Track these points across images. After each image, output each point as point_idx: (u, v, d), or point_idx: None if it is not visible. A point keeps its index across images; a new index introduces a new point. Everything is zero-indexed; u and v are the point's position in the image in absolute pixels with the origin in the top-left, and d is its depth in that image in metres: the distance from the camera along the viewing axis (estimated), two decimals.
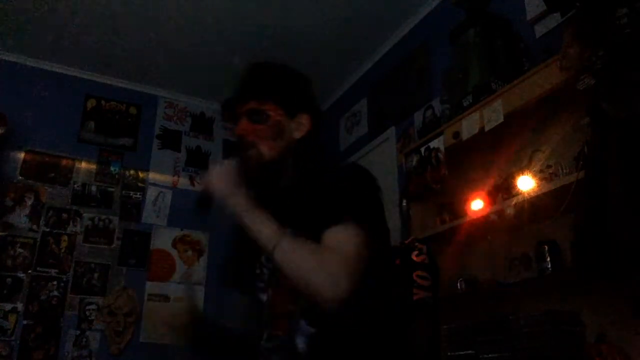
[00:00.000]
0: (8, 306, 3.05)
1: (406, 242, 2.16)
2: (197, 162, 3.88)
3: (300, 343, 1.01)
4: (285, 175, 1.14)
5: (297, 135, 1.15)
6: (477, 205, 2.11)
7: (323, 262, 0.94)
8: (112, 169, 3.60)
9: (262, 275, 1.12)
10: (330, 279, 0.92)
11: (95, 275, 3.32)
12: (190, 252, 3.63)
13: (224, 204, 1.02)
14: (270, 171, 1.12)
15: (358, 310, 0.99)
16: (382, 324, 1.06)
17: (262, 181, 1.11)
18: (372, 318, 1.05)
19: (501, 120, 1.92)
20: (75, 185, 3.45)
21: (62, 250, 3.29)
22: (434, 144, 2.32)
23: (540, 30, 2.12)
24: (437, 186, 2.30)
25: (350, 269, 0.93)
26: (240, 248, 1.18)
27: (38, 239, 3.24)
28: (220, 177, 1.05)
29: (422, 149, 2.39)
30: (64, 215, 3.36)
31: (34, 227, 3.26)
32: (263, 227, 0.99)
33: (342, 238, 0.97)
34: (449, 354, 2.03)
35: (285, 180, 1.14)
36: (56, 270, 3.23)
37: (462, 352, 1.96)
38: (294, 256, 0.96)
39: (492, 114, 1.96)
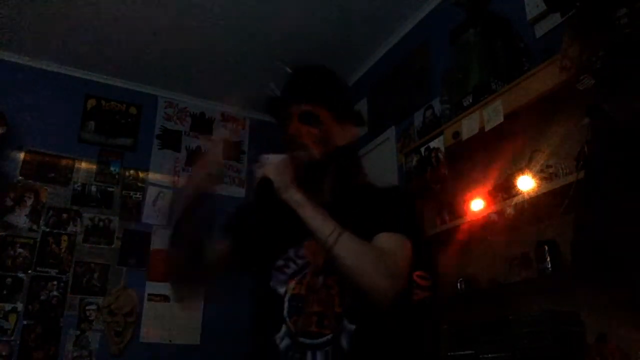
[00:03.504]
0: (8, 306, 3.05)
1: None
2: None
3: (345, 342, 1.03)
4: (326, 180, 1.19)
5: (341, 142, 1.19)
6: (477, 205, 2.11)
7: (381, 258, 1.01)
8: (112, 169, 3.59)
9: (286, 268, 1.13)
10: (387, 274, 0.99)
11: (95, 275, 3.32)
12: None
13: (281, 194, 1.05)
14: (314, 173, 1.15)
15: (394, 310, 1.05)
16: (408, 323, 1.16)
17: (306, 181, 1.13)
18: (402, 317, 1.13)
19: (501, 120, 1.92)
20: (75, 185, 3.45)
21: (62, 250, 3.28)
22: (434, 144, 2.32)
23: (540, 30, 2.12)
24: (437, 186, 2.30)
25: (403, 270, 1.04)
26: (263, 236, 1.18)
27: (38, 239, 3.24)
28: (278, 168, 1.06)
29: (422, 149, 2.39)
30: (64, 215, 3.36)
31: (34, 227, 3.26)
32: (322, 221, 1.02)
33: (394, 243, 1.05)
34: (449, 354, 2.03)
35: (326, 185, 1.19)
36: (56, 270, 3.23)
37: (462, 352, 1.96)
38: (354, 251, 1.00)
39: (492, 114, 1.96)
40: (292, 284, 1.10)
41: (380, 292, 0.99)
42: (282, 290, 1.11)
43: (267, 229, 1.19)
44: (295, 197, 1.05)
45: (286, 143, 1.15)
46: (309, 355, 1.03)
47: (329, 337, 1.04)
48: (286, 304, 1.09)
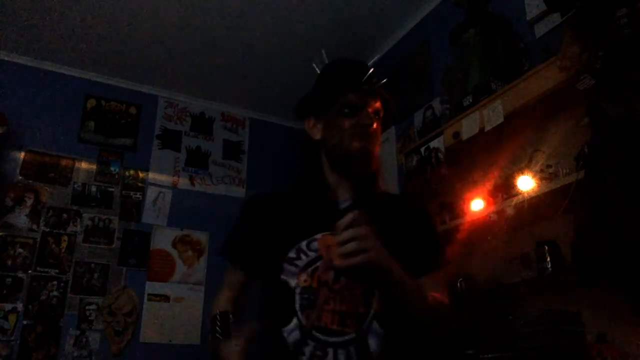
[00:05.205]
0: (8, 306, 3.05)
1: None
2: (197, 162, 3.88)
3: (373, 344, 1.04)
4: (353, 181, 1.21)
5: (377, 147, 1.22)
6: (477, 205, 2.11)
7: (442, 318, 1.14)
8: (112, 169, 3.59)
9: (298, 260, 1.11)
10: (441, 328, 1.15)
11: (95, 275, 3.32)
12: (190, 252, 3.63)
13: (387, 274, 1.01)
14: (372, 178, 1.21)
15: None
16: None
17: (364, 185, 1.18)
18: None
19: (501, 120, 1.92)
20: (75, 185, 3.45)
21: (62, 250, 3.29)
22: (434, 144, 2.33)
23: (540, 30, 2.12)
24: (437, 186, 2.30)
25: (447, 324, 1.18)
26: (273, 230, 1.18)
27: (38, 239, 3.24)
28: (380, 248, 0.99)
29: (422, 149, 2.39)
30: (64, 215, 3.36)
31: (34, 227, 3.26)
32: (417, 291, 1.06)
33: (442, 288, 1.16)
34: (449, 354, 2.03)
35: (350, 187, 1.20)
36: (56, 270, 3.23)
37: (462, 352, 1.96)
38: (427, 311, 1.09)
39: (492, 114, 1.96)
40: (303, 276, 1.09)
41: (431, 337, 1.14)
42: (293, 282, 1.09)
43: (276, 226, 1.18)
44: (396, 269, 1.02)
45: (350, 127, 1.16)
46: (330, 352, 1.03)
47: (351, 336, 1.04)
48: (297, 297, 1.08)
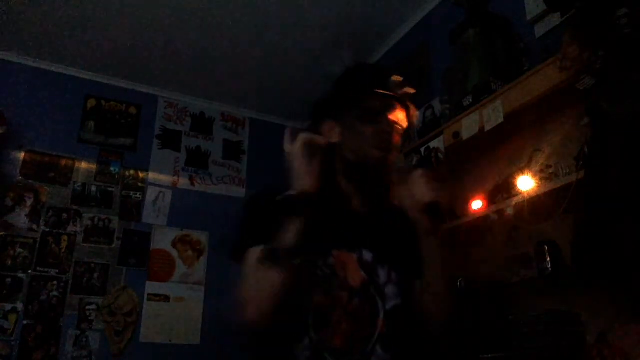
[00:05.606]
0: (8, 306, 3.05)
1: None
2: (197, 162, 3.88)
3: None
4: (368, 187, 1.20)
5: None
6: (477, 205, 2.11)
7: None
8: (112, 169, 3.59)
9: (314, 276, 1.07)
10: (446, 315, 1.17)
11: (95, 275, 3.32)
12: (190, 252, 3.63)
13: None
14: (385, 188, 1.19)
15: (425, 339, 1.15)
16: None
17: (380, 189, 1.17)
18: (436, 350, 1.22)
19: (501, 120, 1.92)
20: (75, 185, 3.45)
21: (62, 250, 3.28)
22: (434, 144, 2.32)
23: (540, 30, 2.12)
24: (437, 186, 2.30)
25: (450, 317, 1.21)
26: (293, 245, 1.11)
27: (38, 239, 3.24)
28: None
29: (422, 149, 2.39)
30: (64, 215, 3.36)
31: (34, 227, 3.26)
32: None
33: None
34: (449, 354, 2.03)
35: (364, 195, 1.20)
36: (56, 270, 3.23)
37: (462, 352, 1.96)
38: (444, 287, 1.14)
39: (492, 114, 1.96)
40: (318, 294, 1.06)
41: (437, 324, 1.15)
42: (307, 299, 1.06)
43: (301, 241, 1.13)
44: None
45: (372, 134, 1.13)
46: None
47: (357, 357, 1.03)
48: (311, 315, 1.05)
